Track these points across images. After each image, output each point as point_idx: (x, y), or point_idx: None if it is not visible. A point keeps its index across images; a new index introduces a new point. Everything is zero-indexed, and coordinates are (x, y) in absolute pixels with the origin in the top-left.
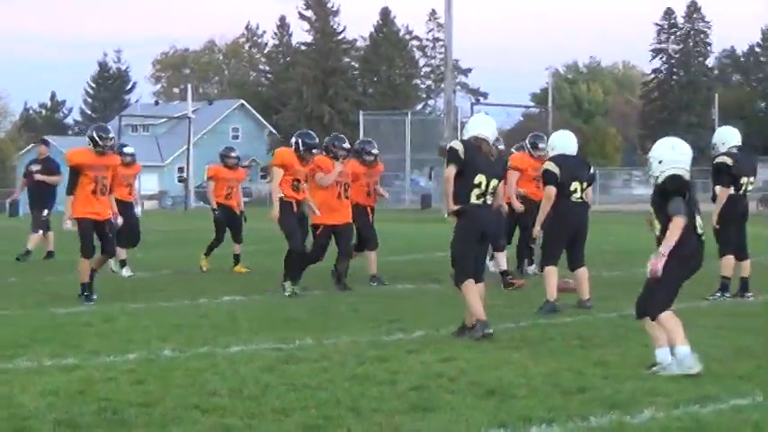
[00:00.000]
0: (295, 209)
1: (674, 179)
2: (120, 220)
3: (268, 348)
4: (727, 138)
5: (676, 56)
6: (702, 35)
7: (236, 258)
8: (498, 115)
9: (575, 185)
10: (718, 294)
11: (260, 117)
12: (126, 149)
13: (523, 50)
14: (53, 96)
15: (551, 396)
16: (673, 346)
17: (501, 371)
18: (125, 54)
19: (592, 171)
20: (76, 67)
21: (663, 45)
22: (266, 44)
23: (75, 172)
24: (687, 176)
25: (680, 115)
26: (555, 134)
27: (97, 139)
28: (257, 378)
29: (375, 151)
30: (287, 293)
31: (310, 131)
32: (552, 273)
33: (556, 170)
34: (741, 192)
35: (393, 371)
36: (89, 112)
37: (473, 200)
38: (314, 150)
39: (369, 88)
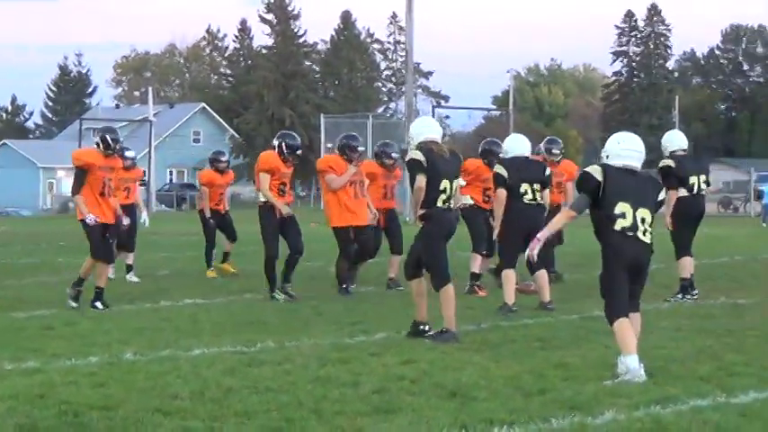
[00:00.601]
0: (279, 214)
1: (582, 175)
2: (126, 221)
3: (230, 351)
4: (673, 141)
5: (637, 58)
6: (663, 38)
7: (226, 256)
8: (460, 118)
9: (524, 187)
10: (680, 296)
11: (221, 120)
12: (127, 153)
13: (485, 53)
14: (14, 100)
15: (512, 398)
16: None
17: (462, 373)
18: (86, 57)
19: (547, 173)
20: (37, 70)
21: (624, 48)
22: (227, 47)
23: (83, 172)
24: (635, 168)
25: (641, 117)
26: (508, 138)
27: (110, 141)
28: (219, 381)
29: (395, 155)
30: (281, 300)
31: (292, 132)
32: (510, 276)
33: (504, 173)
34: (694, 192)
35: (355, 373)
36: (50, 116)
37: (438, 204)
38: (298, 152)
39: (330, 91)
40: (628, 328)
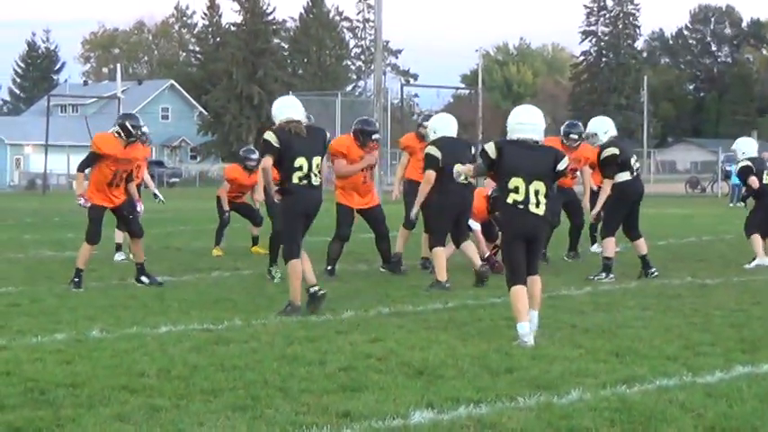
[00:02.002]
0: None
1: (480, 152)
2: (141, 208)
3: (197, 329)
4: (608, 127)
5: (605, 38)
6: (631, 17)
7: (255, 240)
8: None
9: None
10: (603, 275)
11: (189, 97)
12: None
13: (454, 32)
14: None
15: (479, 377)
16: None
17: (429, 351)
18: (54, 34)
19: (473, 152)
20: (4, 46)
21: (592, 27)
22: (196, 24)
23: (96, 156)
24: (534, 140)
25: (609, 97)
26: (435, 117)
27: (130, 128)
28: (186, 359)
29: (377, 136)
30: (276, 280)
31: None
32: (441, 253)
33: (438, 154)
34: (635, 174)
35: (322, 351)
36: (17, 92)
37: (294, 180)
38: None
39: (299, 69)
40: (522, 297)
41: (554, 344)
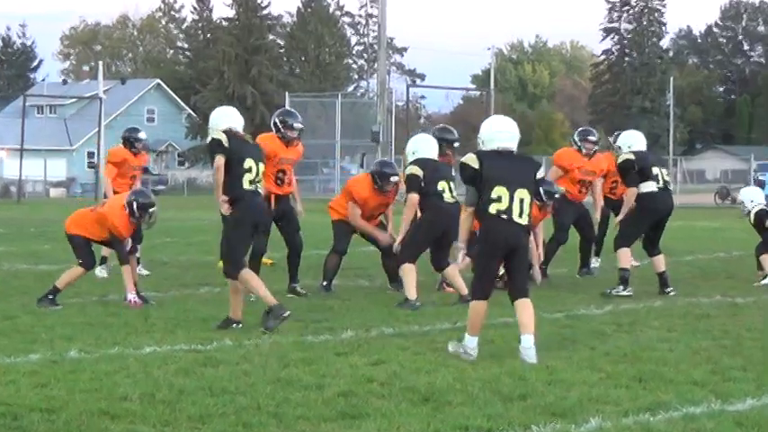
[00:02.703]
0: (273, 205)
1: (460, 166)
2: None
3: (184, 350)
4: (632, 141)
5: (629, 36)
6: (657, 14)
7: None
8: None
9: (442, 185)
10: (621, 288)
11: (177, 98)
12: (140, 135)
13: (464, 29)
14: None
15: (490, 403)
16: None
17: (436, 375)
18: (31, 28)
19: (453, 172)
20: None
21: (614, 24)
22: (184, 19)
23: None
24: (510, 149)
25: (632, 100)
26: (415, 138)
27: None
28: (171, 382)
29: (395, 179)
30: (251, 299)
31: (292, 110)
32: (411, 270)
33: (420, 173)
34: (661, 185)
35: (319, 374)
36: None
37: (245, 185)
38: (295, 126)
39: (296, 68)
40: (482, 314)
41: (571, 367)
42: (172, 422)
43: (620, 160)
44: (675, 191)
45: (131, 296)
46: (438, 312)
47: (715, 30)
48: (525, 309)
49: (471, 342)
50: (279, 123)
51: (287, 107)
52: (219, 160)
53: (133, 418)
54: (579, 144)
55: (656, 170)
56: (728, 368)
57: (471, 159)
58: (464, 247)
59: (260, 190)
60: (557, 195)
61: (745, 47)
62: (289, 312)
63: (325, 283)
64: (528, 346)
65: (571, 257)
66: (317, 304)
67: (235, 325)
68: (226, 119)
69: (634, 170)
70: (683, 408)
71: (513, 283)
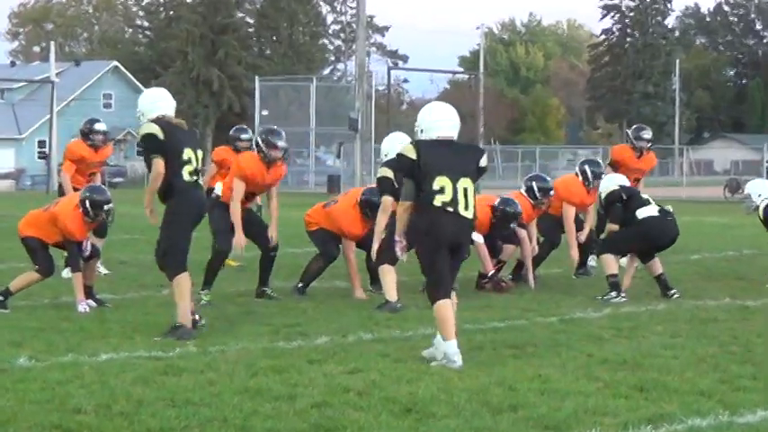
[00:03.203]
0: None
1: (397, 158)
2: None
3: (143, 357)
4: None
5: (631, 14)
6: None
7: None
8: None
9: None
10: (613, 294)
11: (137, 81)
12: (97, 126)
13: (451, 6)
14: None
15: (478, 415)
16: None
17: (419, 385)
18: None
19: None
20: None
21: (615, 1)
22: None
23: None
24: (451, 137)
25: (635, 84)
26: (390, 137)
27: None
28: (130, 392)
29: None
30: (202, 303)
31: (275, 128)
32: (390, 271)
33: (391, 175)
34: (665, 212)
35: (291, 384)
36: None
37: (186, 177)
38: (279, 145)
39: (266, 49)
40: (450, 312)
41: (566, 376)
42: None
43: (604, 195)
44: (682, 183)
45: (81, 307)
46: (421, 316)
47: (725, 7)
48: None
49: (450, 347)
50: (261, 143)
51: (267, 128)
52: (159, 164)
53: (88, 431)
54: (633, 141)
55: (646, 195)
56: (737, 377)
57: (408, 150)
58: (402, 239)
59: (200, 182)
60: (551, 192)
61: (758, 26)
62: (191, 342)
63: (300, 285)
64: (456, 350)
65: (566, 257)
66: (290, 307)
67: (178, 330)
68: (158, 104)
69: (620, 203)
70: (688, 420)
71: None
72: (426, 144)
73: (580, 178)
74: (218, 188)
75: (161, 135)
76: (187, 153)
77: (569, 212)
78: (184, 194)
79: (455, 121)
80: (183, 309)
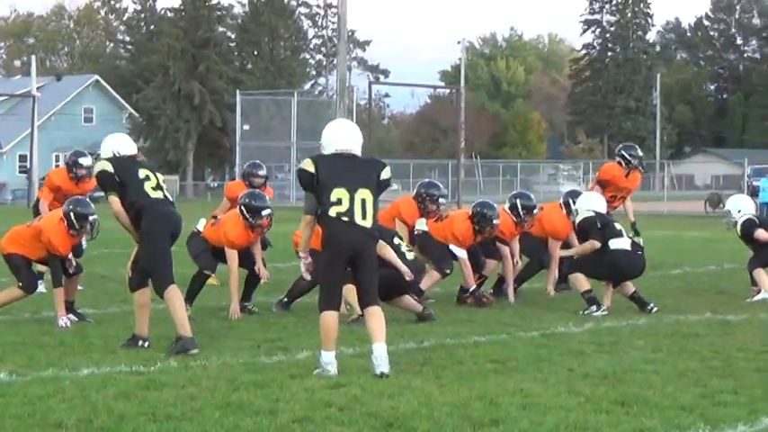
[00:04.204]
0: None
1: (298, 173)
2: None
3: (124, 371)
4: (592, 204)
5: (612, 29)
6: (642, 4)
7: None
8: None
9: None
10: (594, 308)
11: (118, 96)
12: (81, 160)
13: (432, 20)
14: None
15: (459, 429)
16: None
17: (400, 399)
18: None
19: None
20: None
21: (596, 16)
22: (126, 10)
23: None
24: (351, 151)
25: (616, 98)
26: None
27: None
28: (111, 407)
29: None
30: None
31: (257, 191)
32: (352, 290)
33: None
34: (634, 245)
35: (273, 398)
36: None
37: (150, 194)
38: (264, 213)
39: (248, 63)
40: (333, 324)
41: (547, 391)
42: None
43: (579, 219)
44: (663, 198)
45: (62, 321)
46: (402, 331)
47: (706, 22)
48: (375, 317)
49: (327, 357)
50: (245, 210)
51: (253, 191)
52: (114, 203)
53: None
54: (628, 159)
55: (618, 226)
56: (719, 391)
57: (307, 164)
58: (306, 257)
59: (168, 197)
60: (535, 211)
61: (739, 41)
62: (197, 351)
63: (285, 300)
64: (379, 354)
65: (548, 272)
66: (271, 322)
67: (141, 342)
68: (110, 144)
69: (596, 226)
70: None
71: (361, 290)
72: (325, 158)
73: (563, 210)
74: (201, 224)
75: (111, 168)
76: (142, 173)
77: (555, 246)
78: (152, 210)
79: (353, 135)
80: (181, 320)
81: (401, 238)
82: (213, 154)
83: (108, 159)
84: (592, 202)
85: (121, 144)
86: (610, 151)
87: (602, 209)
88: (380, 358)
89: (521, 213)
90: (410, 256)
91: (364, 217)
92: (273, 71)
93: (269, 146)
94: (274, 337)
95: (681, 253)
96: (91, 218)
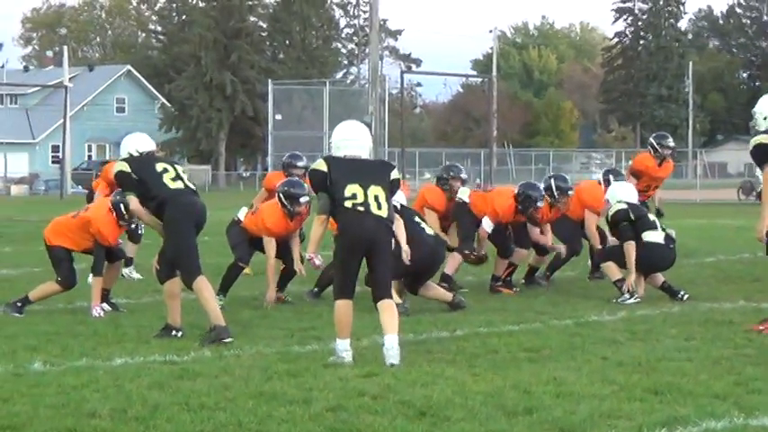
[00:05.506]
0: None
1: (310, 174)
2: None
3: (158, 361)
4: (624, 194)
5: (644, 17)
6: None
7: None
8: (433, 86)
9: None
10: (627, 296)
11: (150, 86)
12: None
13: (464, 9)
14: None
15: (493, 418)
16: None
17: (434, 388)
18: None
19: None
20: None
21: (628, 4)
22: (157, 0)
23: None
24: (359, 157)
25: (648, 86)
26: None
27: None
28: (145, 396)
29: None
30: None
31: (296, 179)
32: None
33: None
34: (667, 238)
35: (306, 388)
36: None
37: (170, 185)
38: (302, 200)
39: (279, 53)
40: (347, 313)
41: (581, 379)
42: None
43: (612, 212)
44: (696, 186)
45: (95, 311)
46: (435, 320)
47: (738, 10)
48: (387, 310)
49: (341, 345)
50: (283, 197)
51: (292, 179)
52: (133, 202)
53: None
54: (659, 149)
55: (652, 217)
56: (752, 379)
57: (319, 164)
58: (314, 256)
59: (190, 186)
60: (570, 192)
61: None
62: (231, 339)
63: (316, 290)
64: (390, 346)
65: (581, 259)
66: (304, 311)
67: (174, 332)
68: (128, 144)
69: (629, 220)
70: (703, 422)
71: (374, 282)
72: (336, 159)
73: (603, 186)
74: (242, 213)
75: (128, 168)
76: (160, 166)
77: (592, 220)
78: (174, 201)
79: (362, 142)
80: (213, 310)
81: (423, 220)
82: (245, 144)
83: (125, 160)
84: (623, 193)
85: (138, 143)
86: (642, 140)
87: (634, 198)
88: (392, 350)
89: (555, 194)
90: (430, 231)
91: (379, 208)
92: (305, 60)
93: (301, 135)
94: (307, 327)
95: (714, 241)
96: None
